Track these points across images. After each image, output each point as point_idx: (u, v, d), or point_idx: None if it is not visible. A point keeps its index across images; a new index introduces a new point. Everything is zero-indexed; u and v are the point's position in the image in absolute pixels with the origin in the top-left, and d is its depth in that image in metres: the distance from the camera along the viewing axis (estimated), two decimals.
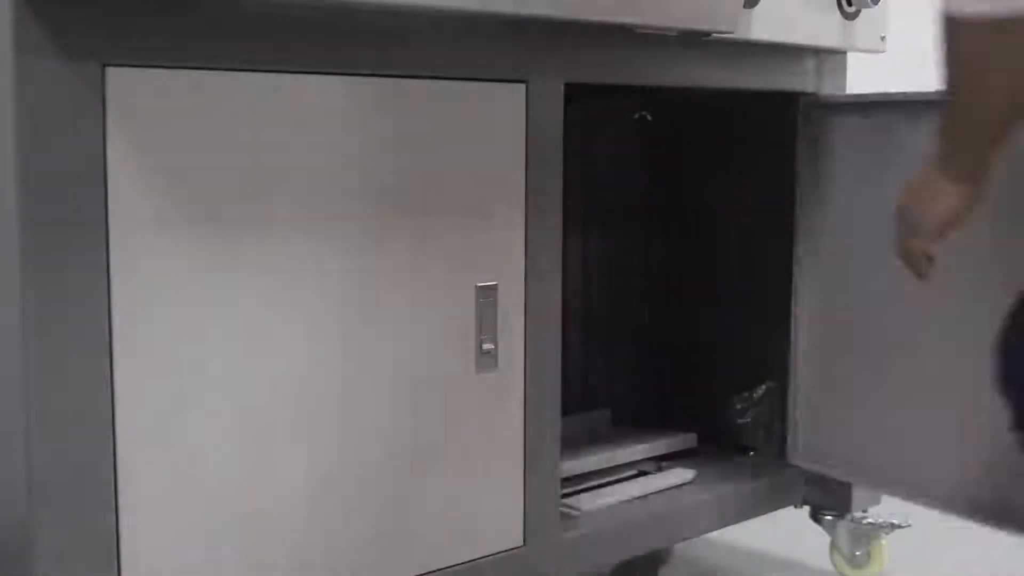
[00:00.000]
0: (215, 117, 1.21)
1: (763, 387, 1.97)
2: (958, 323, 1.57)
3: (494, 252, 1.46)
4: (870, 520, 1.89)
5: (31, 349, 1.12)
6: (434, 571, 1.43)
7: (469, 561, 1.47)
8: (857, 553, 1.92)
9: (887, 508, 1.89)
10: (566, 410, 1.60)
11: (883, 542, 1.91)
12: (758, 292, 1.94)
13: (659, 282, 2.21)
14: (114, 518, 1.18)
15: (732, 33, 1.59)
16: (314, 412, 1.31)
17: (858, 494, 1.88)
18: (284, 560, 1.31)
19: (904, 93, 1.65)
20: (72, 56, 1.11)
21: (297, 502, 1.31)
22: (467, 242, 1.43)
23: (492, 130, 1.44)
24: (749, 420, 1.99)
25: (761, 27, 1.66)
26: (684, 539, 1.91)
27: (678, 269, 2.18)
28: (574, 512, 1.66)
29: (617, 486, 1.78)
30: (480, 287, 1.44)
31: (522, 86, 1.46)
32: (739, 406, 2.01)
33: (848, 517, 1.90)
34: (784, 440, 1.90)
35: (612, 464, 1.85)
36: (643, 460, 1.91)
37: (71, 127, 1.12)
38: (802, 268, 1.85)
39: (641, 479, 1.82)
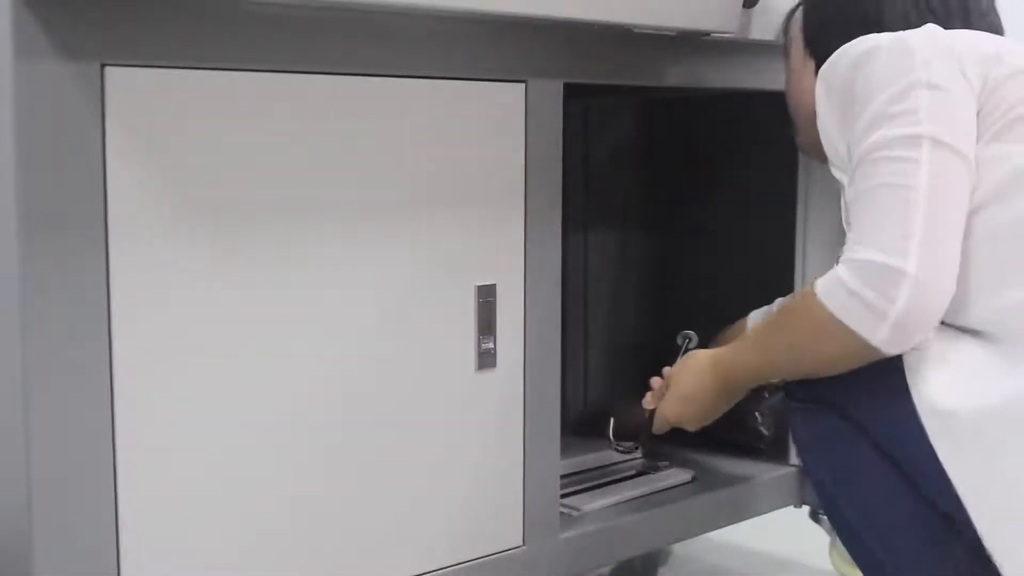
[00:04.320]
0: (215, 117, 1.21)
1: (780, 391, 1.95)
2: None
3: (494, 252, 1.46)
4: None
5: (30, 350, 1.12)
6: (434, 571, 1.44)
7: (469, 561, 1.47)
8: None
9: None
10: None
11: None
12: (759, 292, 1.94)
13: (659, 282, 2.22)
14: (114, 520, 1.18)
15: (732, 33, 1.59)
16: (313, 411, 1.31)
17: None
18: (283, 560, 1.31)
19: None
20: (72, 56, 1.11)
21: (297, 502, 1.31)
22: (467, 242, 1.43)
23: (492, 130, 1.44)
24: (771, 422, 1.98)
25: (761, 27, 1.66)
26: (684, 539, 1.91)
27: (678, 269, 2.18)
28: (574, 512, 1.66)
29: (617, 486, 1.78)
30: (480, 287, 1.44)
31: (522, 86, 1.46)
32: (757, 412, 1.99)
33: None
34: (786, 440, 1.90)
35: (606, 463, 1.85)
36: (642, 459, 1.91)
37: (71, 127, 1.12)
38: (804, 267, 1.85)
39: (641, 479, 1.82)
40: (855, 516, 1.28)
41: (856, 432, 1.25)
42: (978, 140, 1.14)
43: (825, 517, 1.92)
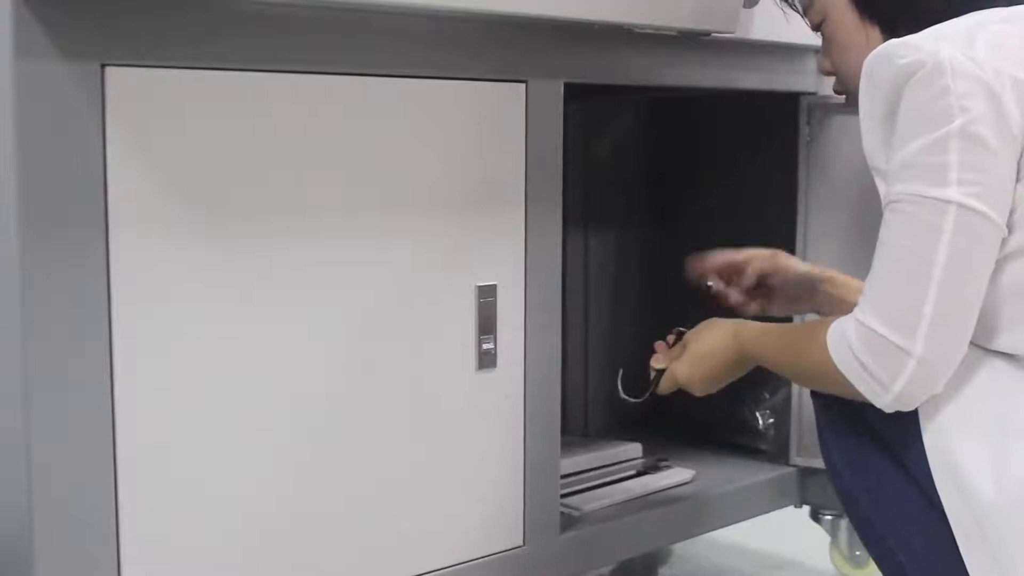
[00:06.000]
0: (215, 117, 1.21)
1: (782, 392, 1.95)
2: None
3: (494, 252, 1.46)
4: None
5: (31, 350, 1.11)
6: (434, 571, 1.43)
7: (469, 561, 1.47)
8: (857, 553, 1.92)
9: None
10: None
11: None
12: None
13: (659, 282, 2.21)
14: (114, 521, 1.18)
15: (732, 33, 1.59)
16: (313, 411, 1.31)
17: None
18: (283, 560, 1.31)
19: None
20: (72, 56, 1.11)
21: (297, 502, 1.31)
22: (467, 242, 1.43)
23: (492, 130, 1.44)
24: (772, 422, 1.98)
25: (761, 27, 1.66)
26: (684, 539, 1.91)
27: (678, 269, 2.18)
28: (574, 512, 1.66)
29: (617, 486, 1.78)
30: (480, 287, 1.44)
31: (522, 86, 1.46)
32: (758, 412, 2.00)
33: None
34: (786, 440, 1.90)
35: (606, 463, 1.85)
36: (643, 459, 1.91)
37: (71, 127, 1.12)
38: None
39: (641, 479, 1.82)
40: (873, 510, 1.27)
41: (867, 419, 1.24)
42: (1017, 180, 1.12)
43: (826, 517, 1.92)
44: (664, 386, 1.47)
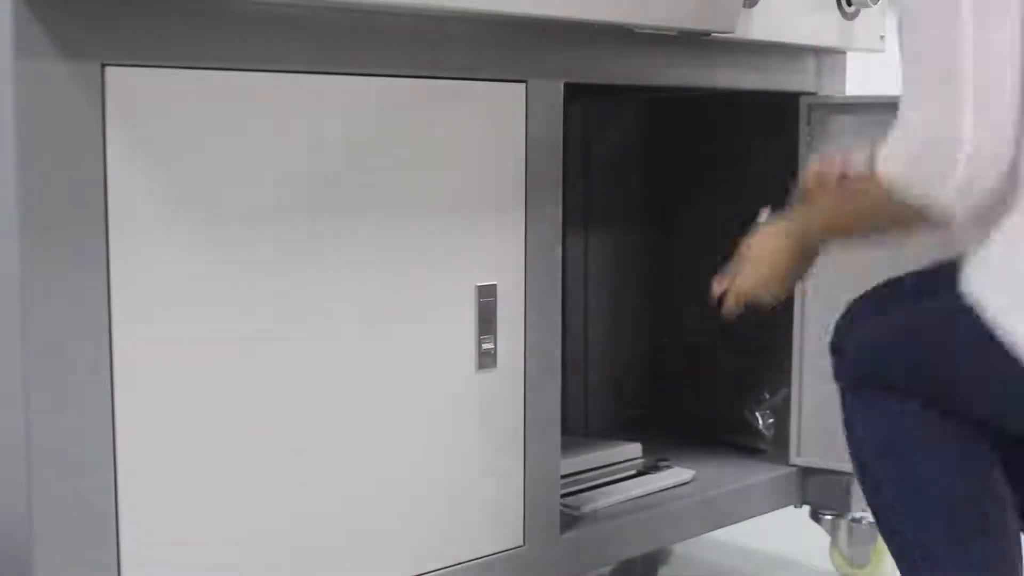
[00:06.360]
0: (215, 117, 1.21)
1: (782, 392, 1.95)
2: None
3: (494, 252, 1.46)
4: (870, 520, 1.89)
5: (31, 350, 1.11)
6: (434, 571, 1.43)
7: (469, 561, 1.47)
8: (857, 553, 1.92)
9: None
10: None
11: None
12: None
13: (659, 282, 2.21)
14: (114, 521, 1.18)
15: (732, 33, 1.59)
16: (314, 412, 1.31)
17: (858, 494, 1.88)
18: (284, 560, 1.31)
19: None
20: (72, 56, 1.11)
21: (297, 502, 1.31)
22: (467, 242, 1.43)
23: (492, 130, 1.44)
24: (772, 422, 1.98)
25: (761, 27, 1.66)
26: (684, 539, 1.91)
27: (678, 269, 2.18)
28: (574, 512, 1.66)
29: (617, 486, 1.78)
30: (480, 287, 1.44)
31: (522, 86, 1.46)
32: (758, 412, 1.99)
33: (848, 517, 1.90)
34: (786, 440, 1.90)
35: (606, 463, 1.85)
36: (643, 459, 1.91)
37: (71, 127, 1.12)
38: None
39: (641, 479, 1.82)
40: (896, 500, 1.26)
41: (902, 404, 1.24)
42: None
43: (826, 517, 1.92)
44: (731, 304, 1.41)
